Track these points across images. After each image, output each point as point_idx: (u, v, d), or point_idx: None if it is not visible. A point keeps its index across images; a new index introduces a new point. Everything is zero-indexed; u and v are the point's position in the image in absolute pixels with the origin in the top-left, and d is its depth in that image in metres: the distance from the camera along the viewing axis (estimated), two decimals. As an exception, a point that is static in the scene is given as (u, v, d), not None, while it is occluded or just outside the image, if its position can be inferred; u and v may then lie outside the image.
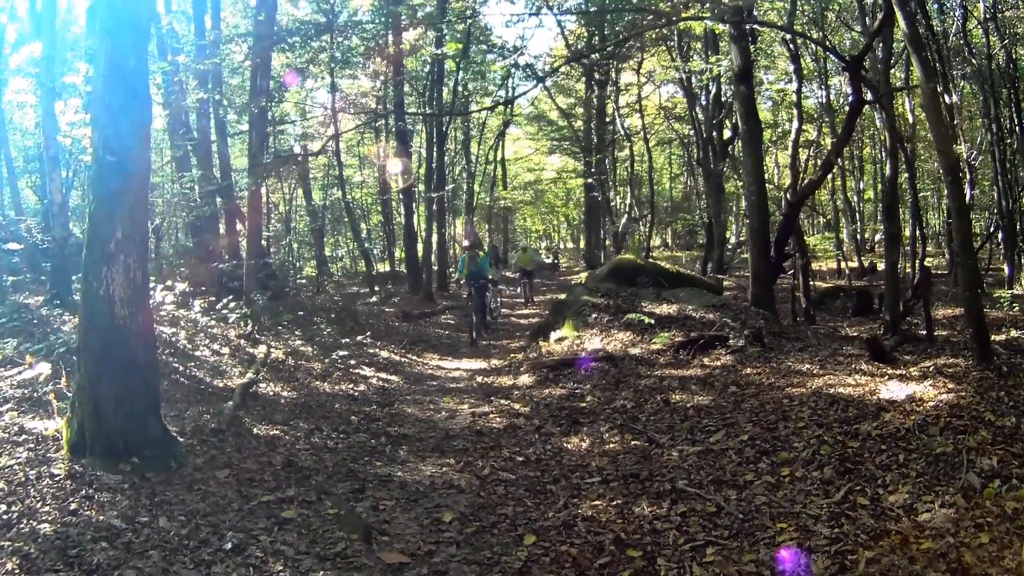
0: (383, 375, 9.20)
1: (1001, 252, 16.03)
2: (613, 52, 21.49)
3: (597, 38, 23.10)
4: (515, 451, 5.70)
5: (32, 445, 4.41)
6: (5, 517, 3.50)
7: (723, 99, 19.48)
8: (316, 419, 6.46)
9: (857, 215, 26.52)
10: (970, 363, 5.86)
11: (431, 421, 6.84)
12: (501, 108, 26.13)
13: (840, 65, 11.72)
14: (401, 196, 20.79)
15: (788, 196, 11.76)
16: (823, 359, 7.03)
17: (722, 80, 18.11)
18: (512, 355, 10.44)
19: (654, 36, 20.50)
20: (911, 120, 16.05)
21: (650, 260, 16.94)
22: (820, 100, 21.12)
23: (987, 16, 14.07)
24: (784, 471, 4.53)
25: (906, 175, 11.56)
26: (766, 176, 14.98)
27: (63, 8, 13.12)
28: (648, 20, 14.04)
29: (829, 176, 18.60)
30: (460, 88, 22.13)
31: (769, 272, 10.46)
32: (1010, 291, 12.91)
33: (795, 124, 13.41)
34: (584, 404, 6.81)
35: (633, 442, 5.56)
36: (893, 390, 5.46)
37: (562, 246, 49.62)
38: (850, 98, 11.01)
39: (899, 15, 6.67)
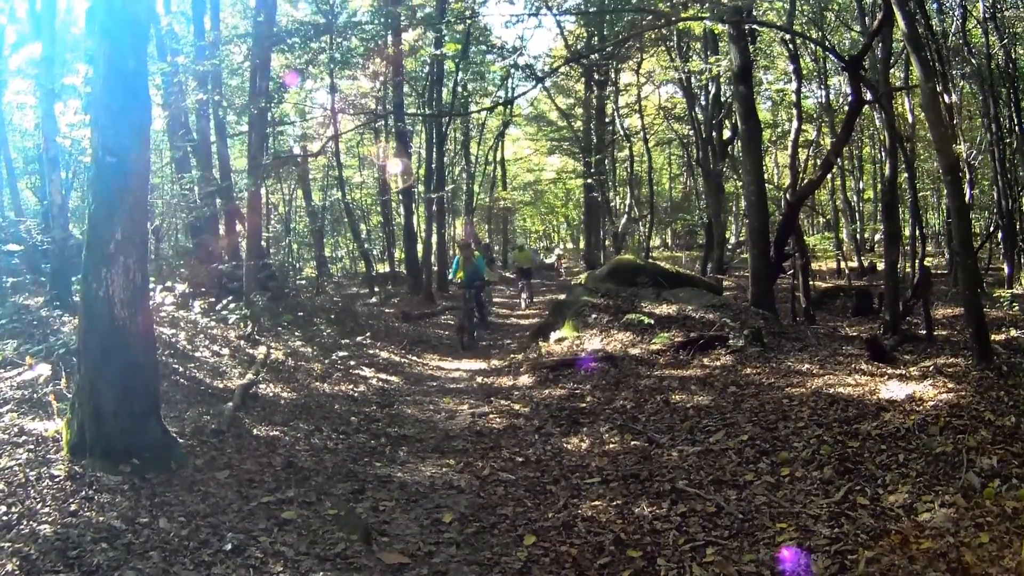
0: (383, 376, 9.20)
1: (1001, 252, 16.04)
2: (612, 52, 21.49)
3: (596, 38, 23.10)
4: (515, 451, 5.70)
5: (32, 446, 4.40)
6: (5, 518, 3.50)
7: (722, 99, 19.46)
8: (316, 420, 6.46)
9: (857, 215, 26.53)
10: (970, 363, 5.86)
11: (431, 422, 6.84)
12: (500, 108, 26.15)
13: (839, 65, 11.72)
14: (401, 197, 20.78)
15: (787, 196, 11.76)
16: (823, 359, 7.03)
17: (721, 80, 18.09)
18: (512, 355, 10.44)
19: (653, 36, 20.50)
20: (910, 120, 16.06)
21: (650, 260, 16.94)
22: (819, 100, 21.14)
23: (986, 16, 14.08)
24: (784, 471, 4.53)
25: (906, 175, 11.57)
26: (766, 176, 14.98)
27: (62, 9, 13.12)
28: (647, 20, 14.07)
29: (829, 176, 18.60)
30: (459, 89, 22.12)
31: (769, 272, 10.46)
32: (1010, 291, 12.91)
33: (794, 124, 13.41)
34: (584, 404, 6.81)
35: (633, 442, 5.56)
36: (893, 390, 5.47)
37: (562, 246, 49.60)
38: (849, 98, 11.01)
39: (898, 15, 6.67)
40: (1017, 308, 10.71)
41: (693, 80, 19.72)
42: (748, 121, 10.80)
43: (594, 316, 9.87)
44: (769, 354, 7.40)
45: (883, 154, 16.52)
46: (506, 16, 31.51)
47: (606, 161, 28.82)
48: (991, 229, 16.34)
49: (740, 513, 4.05)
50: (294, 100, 18.60)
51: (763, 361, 7.15)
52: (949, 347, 7.43)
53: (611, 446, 5.56)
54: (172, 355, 7.29)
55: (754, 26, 12.99)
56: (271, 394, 7.12)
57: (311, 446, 5.64)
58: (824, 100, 20.45)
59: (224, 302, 9.54)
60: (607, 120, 28.68)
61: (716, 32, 13.79)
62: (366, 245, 23.29)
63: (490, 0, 33.67)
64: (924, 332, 8.49)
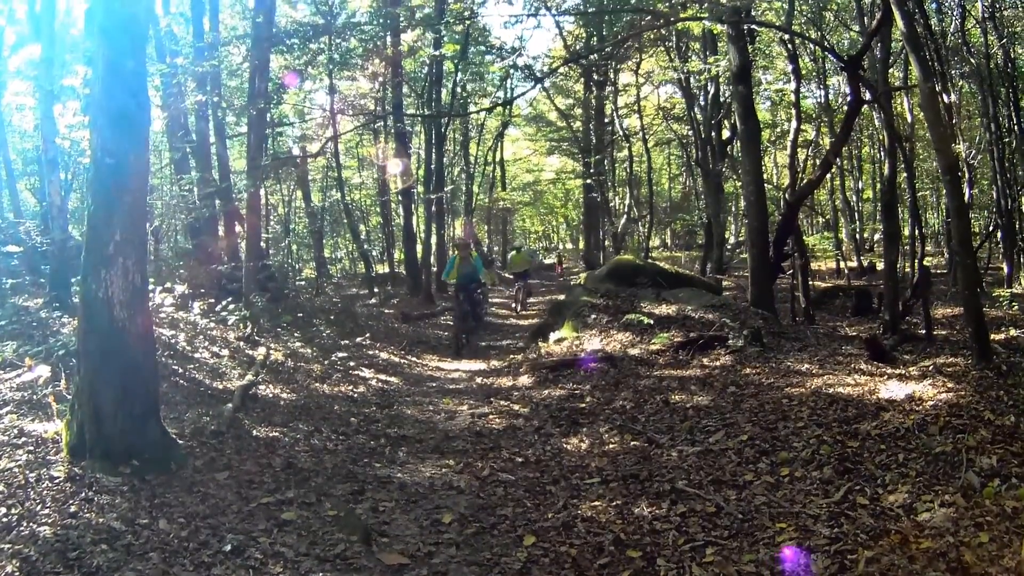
0: (383, 376, 9.20)
1: (1000, 251, 16.05)
2: (611, 53, 21.52)
3: (595, 39, 23.12)
4: (515, 452, 5.70)
5: (32, 448, 4.40)
6: (5, 520, 3.50)
7: (721, 99, 19.48)
8: (316, 421, 6.46)
9: (856, 215, 26.54)
10: (969, 362, 5.87)
11: (431, 422, 6.84)
12: (500, 109, 26.17)
13: (838, 65, 11.73)
14: (400, 197, 20.79)
15: (787, 196, 11.78)
16: (822, 359, 7.03)
17: (720, 80, 18.10)
18: (511, 356, 10.45)
19: (652, 36, 20.51)
20: (910, 120, 16.08)
21: (649, 260, 16.95)
22: (819, 100, 21.17)
23: (985, 15, 14.08)
24: (783, 471, 4.53)
25: (905, 174, 11.58)
26: (765, 176, 14.99)
27: (61, 10, 13.10)
28: (646, 20, 14.07)
29: (828, 176, 18.60)
30: (459, 89, 22.14)
31: (768, 272, 10.46)
32: (1009, 290, 12.92)
33: (794, 124, 13.43)
34: (583, 405, 6.81)
35: (632, 442, 5.56)
36: (892, 389, 5.47)
37: (561, 247, 49.63)
38: (848, 98, 11.01)
39: (897, 15, 6.67)
40: (1016, 307, 10.72)
41: (692, 80, 19.73)
42: (747, 121, 10.80)
43: (593, 316, 9.87)
44: (769, 354, 7.40)
45: (882, 154, 16.51)
46: (505, 17, 31.51)
47: (605, 161, 28.86)
48: (990, 228, 16.35)
49: (740, 513, 4.05)
50: (293, 101, 18.63)
51: (763, 361, 7.15)
52: (949, 347, 7.44)
53: (611, 446, 5.56)
54: (172, 356, 7.29)
55: (753, 26, 13.01)
56: (271, 395, 7.11)
57: (311, 447, 5.64)
58: (823, 100, 20.50)
59: (223, 303, 9.54)
60: (606, 120, 28.72)
61: (715, 32, 13.80)
62: (365, 246, 23.29)
63: (489, 1, 33.66)
64: (924, 332, 8.50)
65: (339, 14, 16.57)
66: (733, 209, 30.93)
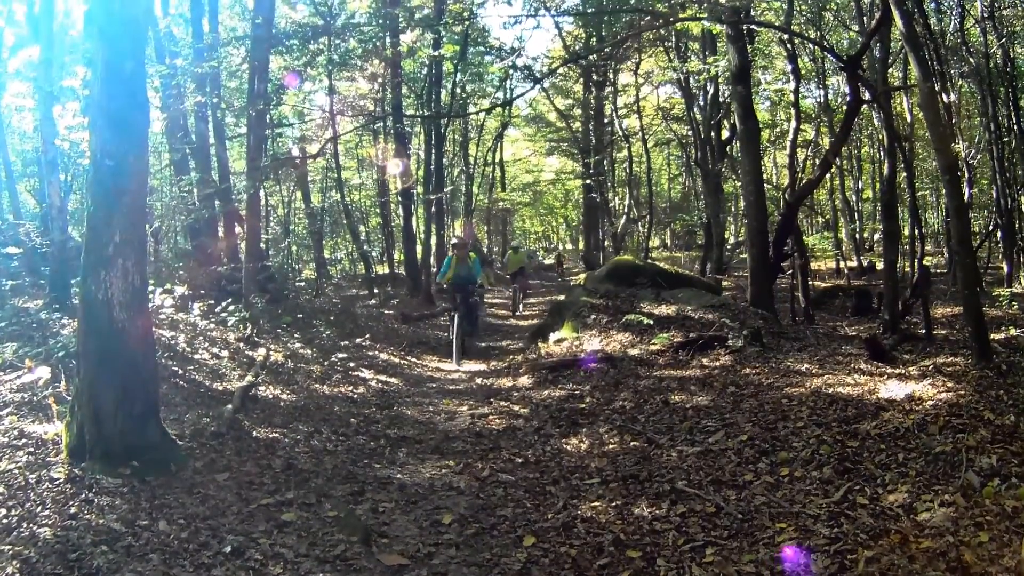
0: (382, 377, 9.20)
1: (1000, 250, 16.06)
2: (611, 53, 21.53)
3: (595, 39, 23.13)
4: (514, 452, 5.70)
5: (32, 449, 4.40)
6: (5, 521, 3.50)
7: (721, 99, 19.49)
8: (316, 422, 6.46)
9: (856, 214, 26.55)
10: (969, 362, 5.87)
11: (430, 423, 6.84)
12: (499, 110, 26.16)
13: (838, 65, 11.74)
14: (400, 198, 20.77)
15: (786, 196, 11.78)
16: (822, 359, 7.03)
17: (720, 80, 18.10)
18: (511, 356, 10.44)
19: (652, 37, 20.53)
20: (909, 119, 16.09)
21: (649, 261, 16.97)
22: (818, 100, 21.18)
23: (984, 15, 14.09)
24: (783, 471, 4.53)
25: (904, 174, 11.58)
26: (764, 176, 14.99)
27: (60, 12, 13.10)
28: (646, 21, 14.07)
29: (828, 176, 18.62)
30: (458, 90, 22.13)
31: (768, 272, 10.47)
32: (1009, 289, 12.93)
33: (793, 124, 13.43)
34: (583, 405, 6.81)
35: (632, 443, 5.56)
36: (892, 389, 5.47)
37: (561, 247, 49.64)
38: (848, 98, 11.02)
39: (896, 14, 6.67)
40: (1016, 307, 10.72)
41: (691, 80, 19.74)
42: (747, 121, 10.81)
43: (593, 317, 9.87)
44: (768, 354, 7.40)
45: (882, 153, 16.52)
46: (504, 17, 31.59)
47: (605, 162, 28.87)
48: (990, 228, 16.36)
49: (739, 513, 4.05)
50: (292, 102, 18.63)
51: (762, 361, 7.15)
52: (948, 346, 7.44)
53: (610, 447, 5.56)
54: (171, 357, 7.29)
55: (752, 26, 13.01)
56: (270, 396, 7.11)
57: (311, 448, 5.64)
58: (822, 100, 20.50)
59: (223, 304, 9.54)
60: (606, 121, 28.73)
61: (714, 32, 13.82)
62: (365, 247, 23.27)
63: (488, 1, 33.70)
64: (923, 331, 8.50)
65: (338, 15, 16.57)
66: (733, 209, 30.94)
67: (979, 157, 16.61)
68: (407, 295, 18.55)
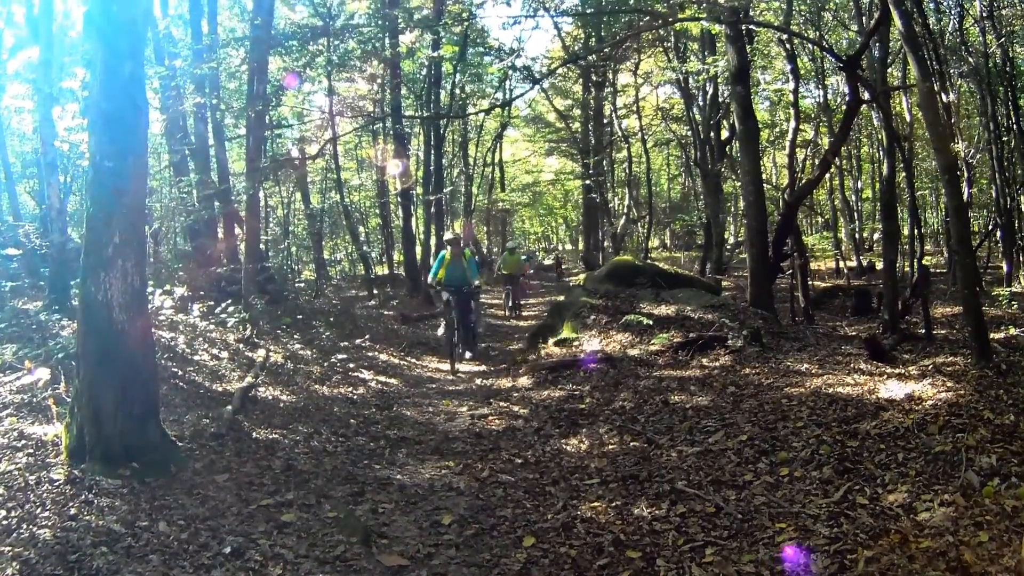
0: (382, 378, 9.20)
1: (1000, 250, 16.06)
2: (610, 53, 21.53)
3: (594, 39, 23.12)
4: (514, 453, 5.70)
5: (31, 450, 4.40)
6: (5, 522, 3.50)
7: (720, 99, 19.49)
8: (315, 422, 6.46)
9: (855, 214, 26.57)
10: (969, 361, 5.86)
11: (430, 424, 6.84)
12: (498, 110, 26.17)
13: (837, 65, 11.74)
14: (399, 199, 20.78)
15: (786, 196, 11.78)
16: (822, 359, 7.03)
17: (719, 80, 18.10)
18: (511, 357, 10.44)
19: (651, 37, 20.52)
20: (908, 119, 16.10)
21: (648, 261, 16.95)
22: (817, 100, 21.20)
23: (984, 14, 14.10)
24: (783, 471, 4.53)
25: (904, 174, 11.59)
26: (764, 176, 15.00)
27: (60, 13, 13.12)
28: (645, 21, 14.06)
29: (827, 175, 18.63)
30: (457, 90, 22.14)
31: (767, 272, 10.47)
32: (1008, 289, 12.94)
33: (792, 124, 13.45)
34: (583, 405, 6.81)
35: (632, 443, 5.56)
36: (892, 389, 5.47)
37: (561, 247, 49.64)
38: (847, 97, 11.03)
39: (895, 14, 6.68)
40: (1016, 306, 10.73)
41: (691, 81, 19.74)
42: (746, 121, 10.81)
43: (593, 317, 9.86)
44: (768, 354, 7.39)
45: (881, 153, 16.53)
46: (504, 18, 31.58)
47: (604, 162, 28.87)
48: (990, 227, 16.37)
49: (739, 513, 4.05)
50: (292, 103, 18.63)
51: (762, 361, 7.15)
52: (948, 346, 7.44)
53: (610, 447, 5.56)
54: (171, 358, 7.29)
55: (751, 26, 13.01)
56: (270, 397, 7.12)
57: (310, 449, 5.64)
58: (822, 100, 20.51)
59: (223, 305, 9.54)
60: (605, 121, 28.74)
61: (713, 32, 13.82)
62: (365, 248, 23.28)
63: (487, 2, 33.68)
64: (923, 331, 8.50)
65: (338, 16, 16.58)
66: (732, 209, 30.94)
67: (978, 157, 16.60)
68: (407, 296, 18.55)
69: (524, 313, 17.67)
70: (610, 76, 26.20)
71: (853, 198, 26.21)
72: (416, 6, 17.51)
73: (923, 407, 4.85)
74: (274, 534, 3.90)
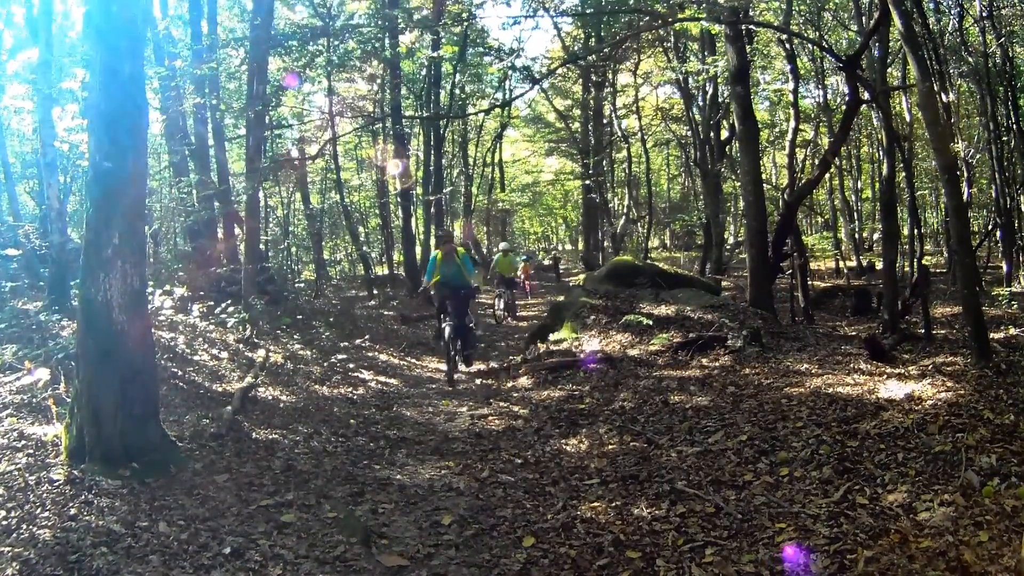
0: (382, 378, 9.20)
1: (999, 250, 16.06)
2: (610, 53, 21.52)
3: (594, 39, 23.13)
4: (514, 453, 5.70)
5: (31, 451, 4.40)
6: (5, 523, 3.50)
7: (720, 99, 19.49)
8: (315, 423, 6.46)
9: (855, 214, 26.56)
10: (969, 361, 5.87)
11: (430, 424, 6.84)
12: (498, 110, 26.17)
13: (836, 65, 11.74)
14: (399, 199, 20.79)
15: (785, 196, 11.79)
16: (822, 358, 7.03)
17: (719, 80, 18.09)
18: (510, 357, 10.43)
19: (651, 37, 20.53)
20: (908, 119, 16.09)
21: (648, 261, 16.96)
22: (817, 100, 21.20)
23: (983, 14, 14.09)
24: (783, 471, 4.53)
25: (904, 174, 11.59)
26: (763, 176, 14.99)
27: (59, 13, 13.13)
28: (645, 21, 14.07)
29: (827, 175, 18.63)
30: (457, 91, 22.15)
31: (767, 272, 10.47)
32: (1008, 288, 12.93)
33: (792, 124, 13.45)
34: (583, 406, 6.81)
35: (632, 443, 5.56)
36: (892, 389, 5.47)
37: (560, 248, 49.63)
38: (847, 97, 11.03)
39: (895, 14, 6.68)
40: (1016, 306, 10.73)
41: (690, 81, 19.74)
42: (746, 121, 10.82)
43: (593, 317, 9.87)
44: (768, 354, 7.40)
45: (881, 153, 16.53)
46: (503, 18, 31.57)
47: (604, 162, 28.88)
48: (989, 227, 16.37)
49: (739, 513, 4.05)
50: (292, 103, 18.64)
51: (762, 361, 7.15)
52: (948, 346, 7.44)
53: (610, 447, 5.56)
54: (171, 359, 7.29)
55: (751, 26, 13.01)
56: (270, 397, 7.12)
57: (310, 449, 5.64)
58: (821, 100, 20.52)
59: (223, 306, 9.54)
60: (605, 121, 28.75)
61: (713, 33, 13.82)
62: (365, 248, 23.27)
63: (487, 2, 33.69)
64: (923, 331, 8.49)
65: (337, 16, 16.60)
66: (732, 209, 30.94)
67: (978, 156, 16.60)
68: (406, 296, 18.55)
69: (521, 314, 17.33)
70: (610, 76, 26.21)
71: (853, 198, 26.21)
72: (416, 6, 17.51)
73: (923, 407, 4.85)
74: (274, 534, 3.90)
